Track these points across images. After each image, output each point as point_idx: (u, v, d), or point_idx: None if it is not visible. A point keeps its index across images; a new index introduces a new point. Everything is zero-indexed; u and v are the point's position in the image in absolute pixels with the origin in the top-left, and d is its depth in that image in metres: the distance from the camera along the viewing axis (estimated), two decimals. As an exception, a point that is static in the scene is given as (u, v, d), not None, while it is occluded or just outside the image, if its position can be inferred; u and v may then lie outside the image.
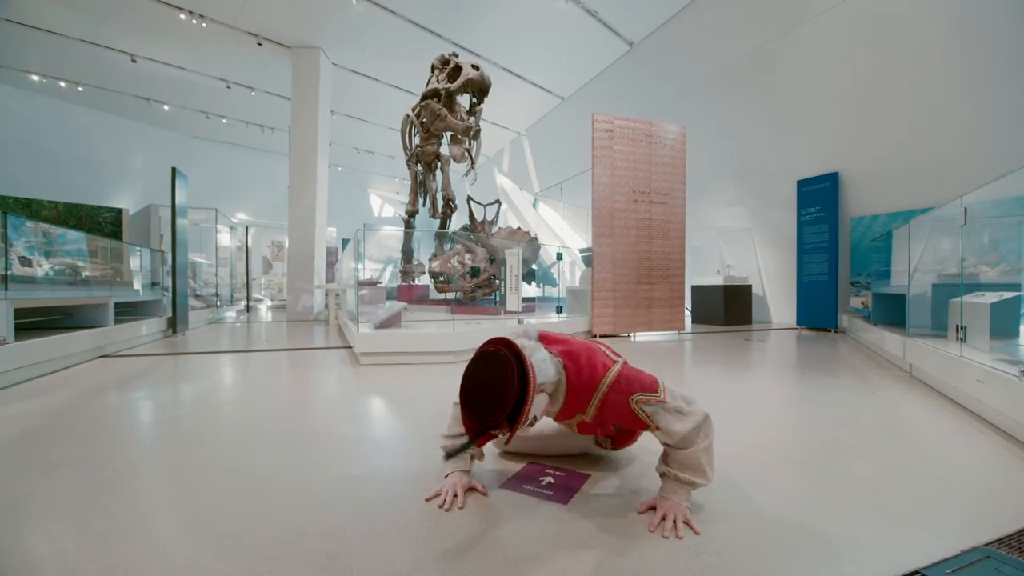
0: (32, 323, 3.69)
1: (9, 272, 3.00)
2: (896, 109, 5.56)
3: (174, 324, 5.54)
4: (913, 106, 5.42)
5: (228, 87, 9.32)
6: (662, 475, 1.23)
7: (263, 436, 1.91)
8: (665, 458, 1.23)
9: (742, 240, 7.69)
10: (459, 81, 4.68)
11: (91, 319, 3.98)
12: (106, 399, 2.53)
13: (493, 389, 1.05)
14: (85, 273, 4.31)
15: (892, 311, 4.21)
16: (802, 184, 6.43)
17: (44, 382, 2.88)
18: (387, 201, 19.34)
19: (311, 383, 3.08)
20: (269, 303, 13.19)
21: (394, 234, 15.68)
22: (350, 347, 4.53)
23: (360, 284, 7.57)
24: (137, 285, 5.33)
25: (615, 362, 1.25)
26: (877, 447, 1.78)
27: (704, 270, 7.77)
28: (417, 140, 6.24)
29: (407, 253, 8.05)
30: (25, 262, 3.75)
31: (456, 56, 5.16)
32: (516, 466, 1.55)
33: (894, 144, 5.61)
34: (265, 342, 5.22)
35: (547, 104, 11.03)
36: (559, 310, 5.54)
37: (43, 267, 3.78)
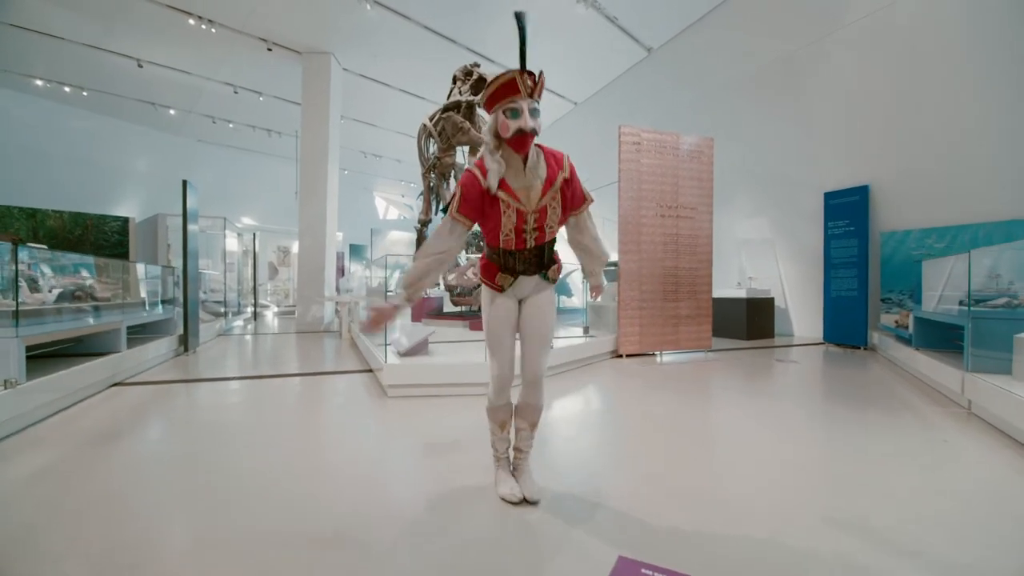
0: (41, 352, 3.51)
1: (19, 299, 2.82)
2: (930, 122, 5.38)
3: (186, 341, 5.37)
4: (948, 119, 5.24)
5: (235, 92, 9.14)
6: (590, 273, 1.88)
7: (314, 504, 1.73)
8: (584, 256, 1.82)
9: (764, 251, 7.52)
10: (484, 94, 4.50)
11: (102, 344, 3.80)
12: (124, 449, 2.36)
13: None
14: (95, 294, 4.13)
15: (937, 336, 4.03)
16: (830, 196, 6.25)
17: (56, 423, 2.71)
18: (392, 204, 19.15)
19: (346, 425, 2.89)
20: (275, 309, 13.03)
21: (401, 238, 15.52)
22: (371, 371, 4.36)
23: (371, 295, 7.41)
24: (149, 304, 5.16)
25: None
26: (986, 522, 1.61)
27: (724, 282, 7.59)
28: (434, 150, 6.06)
29: (419, 263, 7.87)
30: (34, 287, 3.59)
31: (478, 66, 4.98)
32: (601, 556, 1.38)
33: (928, 158, 5.42)
34: (280, 363, 5.05)
35: (559, 109, 10.84)
36: (586, 330, 5.35)
37: (52, 293, 3.61)
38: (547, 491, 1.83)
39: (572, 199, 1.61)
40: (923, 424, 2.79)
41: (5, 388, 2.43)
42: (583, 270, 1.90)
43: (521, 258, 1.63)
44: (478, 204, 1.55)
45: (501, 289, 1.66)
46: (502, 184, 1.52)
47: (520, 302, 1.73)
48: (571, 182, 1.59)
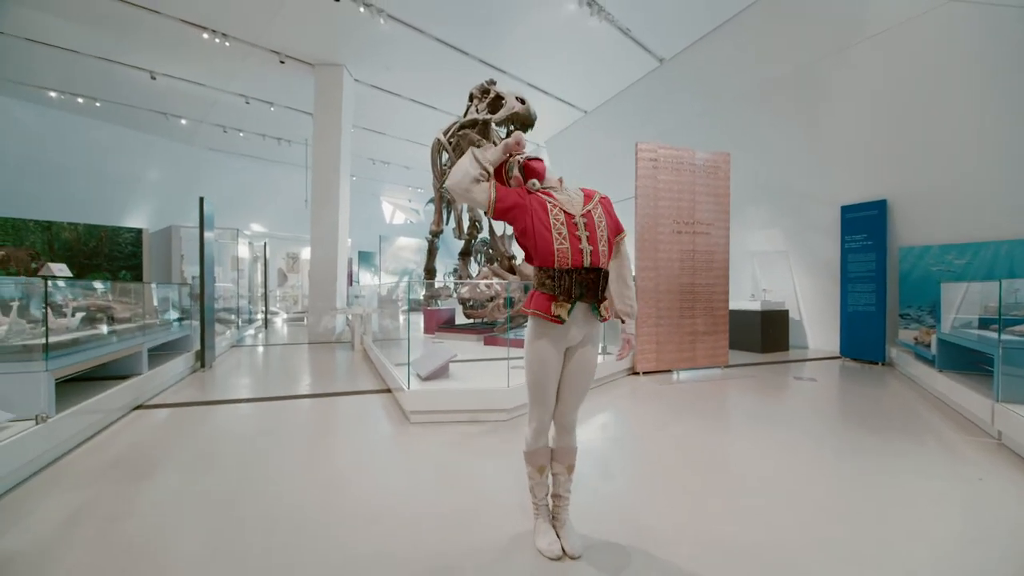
0: (65, 377, 3.53)
1: (48, 332, 2.83)
2: (950, 136, 5.33)
3: (203, 357, 5.39)
4: (968, 133, 5.19)
5: (247, 102, 9.17)
6: (622, 318, 1.76)
7: (343, 551, 1.72)
8: (617, 305, 1.76)
9: (777, 263, 7.47)
10: (502, 113, 4.49)
11: (124, 367, 3.83)
12: (154, 486, 2.36)
13: None
14: (116, 315, 4.15)
15: (962, 359, 3.99)
16: (846, 210, 6.20)
17: (85, 454, 2.72)
18: (399, 208, 19.18)
19: (371, 457, 2.85)
20: (284, 316, 13.07)
21: (408, 244, 15.56)
22: (389, 390, 4.36)
23: (382, 306, 7.42)
24: (168, 323, 5.19)
25: None
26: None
27: (738, 293, 7.55)
28: (448, 164, 6.06)
29: (430, 272, 7.86)
30: (57, 310, 3.60)
31: (494, 84, 4.97)
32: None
33: (947, 173, 5.37)
34: (297, 380, 5.06)
35: (569, 117, 10.82)
36: (603, 348, 5.31)
37: (76, 317, 3.62)
38: (586, 539, 1.81)
39: (614, 222, 1.74)
40: (954, 456, 2.76)
41: (37, 423, 2.44)
42: (615, 308, 1.80)
43: (579, 279, 1.61)
44: (516, 193, 1.67)
45: (560, 320, 1.60)
46: (545, 192, 1.69)
47: (567, 351, 1.72)
48: (608, 203, 1.76)
